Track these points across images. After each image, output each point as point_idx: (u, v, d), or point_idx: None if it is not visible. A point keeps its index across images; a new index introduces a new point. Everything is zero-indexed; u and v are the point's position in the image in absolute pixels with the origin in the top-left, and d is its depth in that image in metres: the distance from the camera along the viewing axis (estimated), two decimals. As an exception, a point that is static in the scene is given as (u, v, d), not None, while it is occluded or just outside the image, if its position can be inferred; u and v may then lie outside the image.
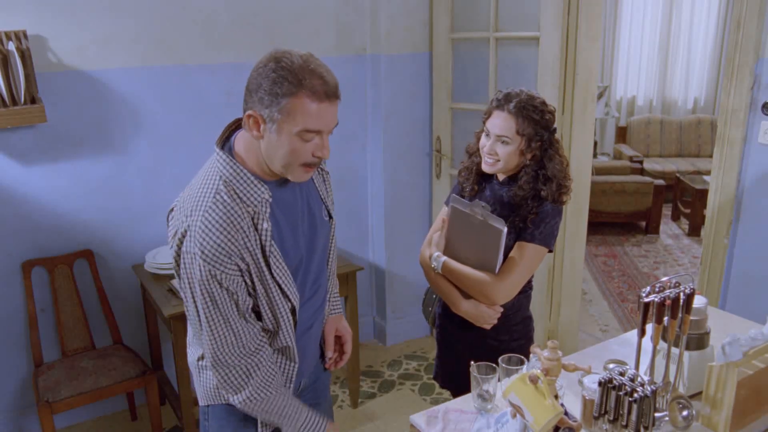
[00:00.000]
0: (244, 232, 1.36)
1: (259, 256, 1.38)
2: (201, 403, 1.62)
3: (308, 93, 1.29)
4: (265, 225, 1.38)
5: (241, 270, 1.37)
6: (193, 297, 1.40)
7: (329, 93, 1.32)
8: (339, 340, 1.81)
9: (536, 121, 1.81)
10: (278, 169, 1.39)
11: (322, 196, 1.62)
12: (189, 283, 1.39)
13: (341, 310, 1.85)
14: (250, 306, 1.44)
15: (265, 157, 1.38)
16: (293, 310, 1.50)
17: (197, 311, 1.42)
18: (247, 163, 1.41)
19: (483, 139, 1.90)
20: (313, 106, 1.30)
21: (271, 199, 1.40)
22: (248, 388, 1.45)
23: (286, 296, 1.46)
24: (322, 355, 1.78)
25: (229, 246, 1.34)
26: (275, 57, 1.31)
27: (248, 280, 1.40)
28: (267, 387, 1.47)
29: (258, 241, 1.38)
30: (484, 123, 1.90)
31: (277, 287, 1.43)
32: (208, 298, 1.37)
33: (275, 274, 1.41)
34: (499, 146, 1.84)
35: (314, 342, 1.69)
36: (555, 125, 1.88)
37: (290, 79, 1.28)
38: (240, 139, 1.43)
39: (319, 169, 1.63)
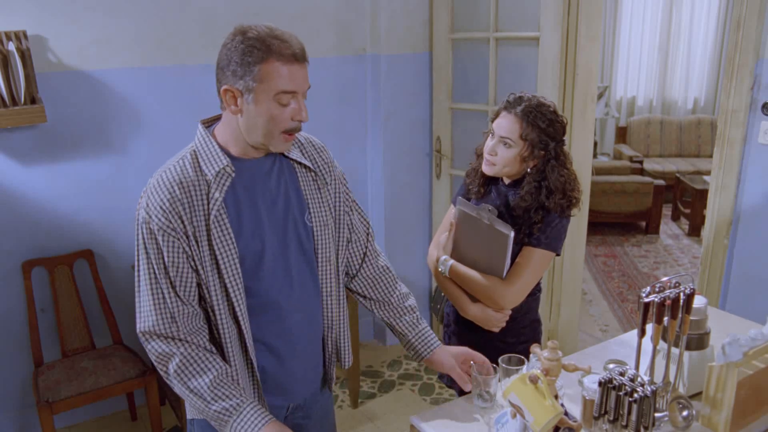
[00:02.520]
0: (191, 195, 1.40)
1: (202, 223, 1.41)
2: (188, 416, 1.60)
3: (278, 57, 1.35)
4: (216, 194, 1.41)
5: (176, 231, 1.40)
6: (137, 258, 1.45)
7: (297, 56, 1.38)
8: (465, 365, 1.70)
9: (542, 129, 1.79)
10: (260, 140, 1.42)
11: (307, 199, 1.54)
12: (135, 242, 1.45)
13: (438, 342, 1.74)
14: (192, 285, 1.44)
15: (244, 132, 1.42)
16: (230, 303, 1.45)
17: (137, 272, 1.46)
18: (218, 138, 1.47)
19: (488, 139, 1.89)
20: (284, 68, 1.36)
21: (233, 174, 1.43)
22: (172, 364, 1.46)
23: (220, 275, 1.42)
24: (325, 382, 1.71)
25: (170, 203, 1.39)
26: (241, 30, 1.40)
27: (187, 248, 1.41)
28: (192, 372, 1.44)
29: (205, 209, 1.41)
30: (491, 123, 1.89)
31: (213, 262, 1.42)
32: (143, 254, 1.45)
33: (215, 244, 1.41)
34: (500, 148, 1.83)
35: (306, 364, 1.61)
36: (564, 137, 1.84)
37: (259, 47, 1.35)
38: (220, 122, 1.50)
39: (313, 174, 1.56)
